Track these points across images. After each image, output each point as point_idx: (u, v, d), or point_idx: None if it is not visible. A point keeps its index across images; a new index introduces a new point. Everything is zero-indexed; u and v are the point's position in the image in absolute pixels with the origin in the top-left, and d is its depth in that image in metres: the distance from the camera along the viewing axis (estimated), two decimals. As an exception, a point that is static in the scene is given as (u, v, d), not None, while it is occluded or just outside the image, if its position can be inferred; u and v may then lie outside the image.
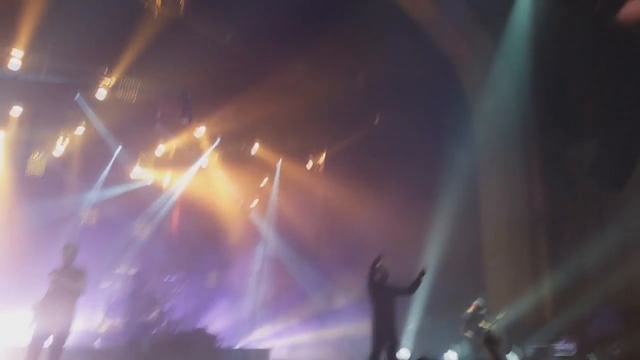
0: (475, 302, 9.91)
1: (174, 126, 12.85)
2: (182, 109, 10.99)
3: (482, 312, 9.86)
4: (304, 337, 11.64)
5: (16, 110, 11.22)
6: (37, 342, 6.51)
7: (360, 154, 12.89)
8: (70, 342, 9.54)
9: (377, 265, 7.61)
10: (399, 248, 10.64)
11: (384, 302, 7.57)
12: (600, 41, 10.93)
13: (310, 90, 12.54)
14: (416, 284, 7.71)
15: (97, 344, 9.91)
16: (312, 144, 14.15)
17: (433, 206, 11.71)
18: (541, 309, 10.96)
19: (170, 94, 11.62)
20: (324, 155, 14.16)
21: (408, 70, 11.94)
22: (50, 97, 11.42)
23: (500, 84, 11.77)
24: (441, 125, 12.18)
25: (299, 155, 14.27)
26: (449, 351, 10.19)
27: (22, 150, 11.88)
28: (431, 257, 11.04)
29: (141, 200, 12.96)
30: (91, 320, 10.77)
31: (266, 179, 14.53)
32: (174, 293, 10.41)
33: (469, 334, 9.67)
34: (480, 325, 9.80)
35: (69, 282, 6.64)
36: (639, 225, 10.39)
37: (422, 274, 7.76)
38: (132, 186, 12.94)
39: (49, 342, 6.57)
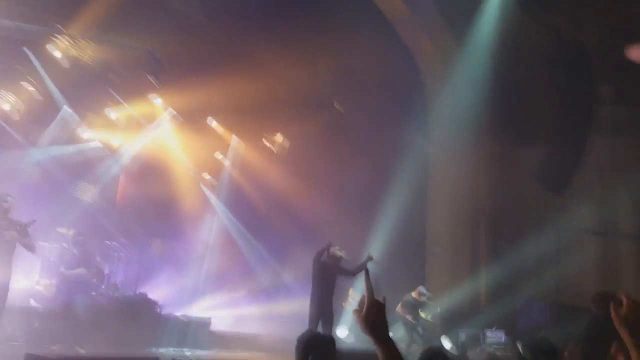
0: (419, 289, 10.22)
1: (129, 91, 12.57)
2: (151, 69, 10.70)
3: (424, 300, 10.17)
4: (247, 310, 11.68)
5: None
6: None
7: (318, 140, 13.00)
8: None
9: (328, 251, 7.92)
10: (349, 231, 10.83)
11: (326, 280, 7.86)
12: (558, 52, 11.52)
13: (273, 72, 12.51)
14: (361, 267, 8.06)
15: (32, 302, 9.61)
16: (270, 125, 14.13)
17: (385, 194, 11.98)
18: (477, 299, 11.46)
19: (131, 56, 11.30)
20: (282, 137, 14.17)
21: (372, 61, 12.15)
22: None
23: (459, 83, 12.16)
24: (400, 118, 12.47)
25: (256, 134, 14.23)
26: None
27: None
28: (378, 243, 11.30)
29: (88, 163, 12.55)
30: (27, 278, 10.43)
31: (221, 154, 14.41)
32: (115, 257, 10.21)
33: (408, 316, 9.96)
34: (421, 313, 10.13)
35: (9, 233, 6.37)
36: (572, 228, 11.03)
37: (369, 259, 8.14)
38: (79, 147, 12.52)
39: None
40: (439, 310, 10.50)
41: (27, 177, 11.36)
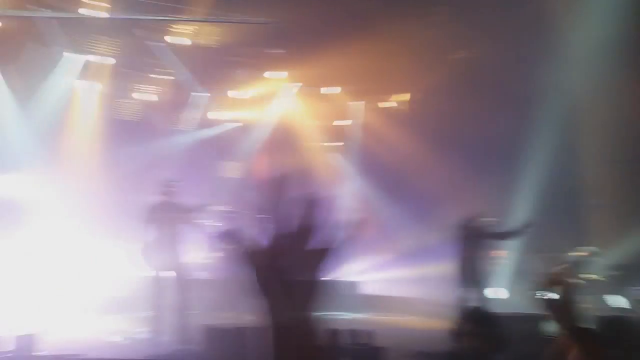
0: (588, 249, 9.46)
1: (254, 68, 12.94)
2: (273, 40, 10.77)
3: (587, 257, 9.38)
4: (394, 273, 11.70)
5: (108, 61, 11.53)
6: (159, 279, 6.80)
7: (446, 94, 12.37)
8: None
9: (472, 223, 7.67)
10: (491, 188, 10.28)
11: (475, 246, 7.63)
12: None
13: (390, 30, 12.07)
14: (515, 233, 7.73)
15: (203, 275, 10.46)
16: (395, 86, 13.76)
17: (529, 144, 11.17)
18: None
19: (254, 31, 11.50)
20: (408, 95, 13.77)
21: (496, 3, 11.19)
22: (135, 45, 11.66)
23: (595, 19, 10.82)
24: (535, 60, 11.40)
25: (382, 96, 13.98)
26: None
27: (112, 98, 12.28)
28: (526, 199, 10.65)
29: (225, 141, 13.25)
30: (194, 254, 11.36)
31: (349, 121, 14.43)
32: (264, 227, 10.60)
33: (571, 276, 9.25)
34: (585, 272, 9.39)
35: (178, 216, 6.78)
36: None
37: (526, 226, 7.76)
38: (217, 129, 13.24)
39: (171, 276, 6.84)
40: (605, 266, 9.60)
41: (174, 161, 12.26)
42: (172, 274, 6.83)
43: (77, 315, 8.04)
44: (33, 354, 4.79)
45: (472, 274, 7.67)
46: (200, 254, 10.43)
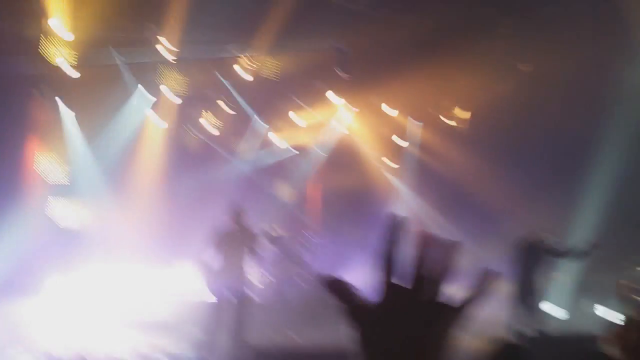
0: None
1: (309, 93, 13.31)
2: (339, 63, 11.06)
3: None
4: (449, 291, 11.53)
5: (170, 94, 12.23)
6: (222, 305, 7.00)
7: (505, 109, 12.15)
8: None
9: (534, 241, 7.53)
10: (552, 204, 10.01)
11: (532, 264, 7.48)
12: None
13: (446, 44, 12.03)
14: (576, 255, 7.53)
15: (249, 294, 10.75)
16: (449, 102, 13.69)
17: (589, 161, 10.80)
18: None
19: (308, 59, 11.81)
20: (462, 111, 13.64)
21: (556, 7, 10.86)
22: (194, 78, 12.29)
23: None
24: (597, 69, 10.98)
25: (436, 113, 13.94)
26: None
27: (175, 129, 12.95)
28: (590, 215, 10.27)
29: (281, 164, 13.64)
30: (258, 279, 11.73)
31: (401, 140, 14.48)
32: (313, 247, 10.83)
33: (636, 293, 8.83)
34: None
35: (247, 242, 7.00)
36: None
37: (591, 247, 7.53)
38: (271, 151, 13.65)
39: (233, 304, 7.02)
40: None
41: (234, 186, 12.76)
42: (234, 300, 6.95)
43: (130, 337, 8.27)
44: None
45: (531, 294, 7.51)
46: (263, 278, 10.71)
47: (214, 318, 6.98)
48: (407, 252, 0.82)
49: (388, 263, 0.84)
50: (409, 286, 0.81)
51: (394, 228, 0.85)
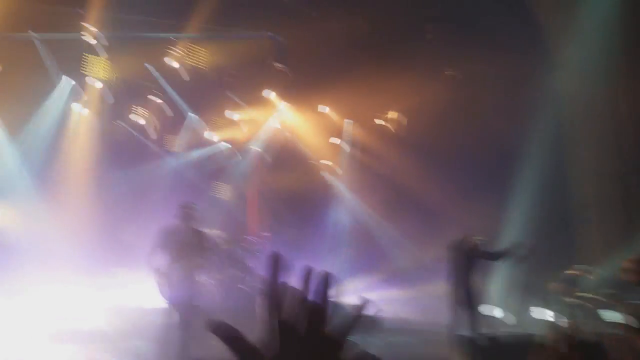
0: (582, 267, 9.51)
1: (245, 89, 13.03)
2: (275, 55, 10.89)
3: (581, 275, 9.43)
4: (389, 294, 11.68)
5: (97, 84, 11.57)
6: (175, 305, 6.44)
7: (436, 112, 12.47)
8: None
9: (466, 240, 7.66)
10: (483, 206, 10.33)
11: (466, 267, 7.62)
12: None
13: (377, 46, 12.20)
14: (505, 252, 7.71)
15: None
16: (384, 104, 13.87)
17: (516, 164, 11.27)
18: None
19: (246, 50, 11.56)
20: (397, 114, 13.87)
21: (482, 16, 11.33)
22: (123, 68, 11.71)
23: (586, 31, 10.95)
24: (521, 76, 11.55)
25: (371, 115, 14.08)
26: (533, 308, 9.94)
27: (103, 121, 12.28)
28: (518, 216, 10.70)
29: (218, 163, 13.28)
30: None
31: (338, 140, 14.50)
32: (255, 250, 10.66)
33: (567, 294, 9.27)
34: (580, 290, 9.44)
35: (196, 241, 6.50)
36: None
37: (519, 246, 7.73)
38: (208, 150, 13.24)
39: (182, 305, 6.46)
40: (599, 283, 9.65)
41: (167, 183, 12.28)
42: (182, 306, 6.45)
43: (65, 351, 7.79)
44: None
45: (465, 294, 7.66)
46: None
47: (161, 326, 6.52)
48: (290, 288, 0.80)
49: (273, 302, 0.83)
50: (296, 323, 0.80)
51: (274, 267, 0.83)
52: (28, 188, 10.49)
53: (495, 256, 7.89)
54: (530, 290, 10.05)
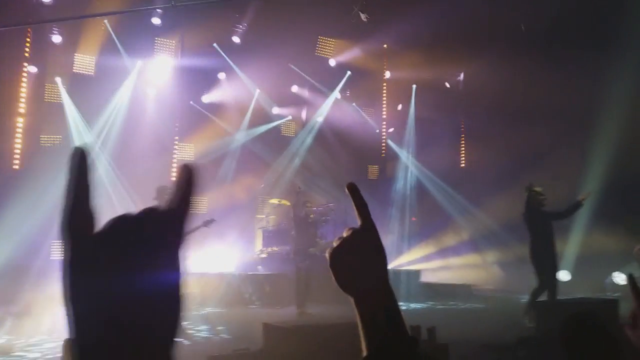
0: None
1: (307, 63, 13.14)
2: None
3: None
4: (456, 260, 11.67)
5: (167, 66, 11.99)
6: None
7: (506, 70, 11.96)
8: (235, 268, 10.65)
9: (533, 197, 7.42)
10: (560, 163, 9.94)
11: (544, 228, 7.38)
12: None
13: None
14: (573, 209, 7.40)
15: (260, 269, 10.91)
16: (450, 65, 13.48)
17: (594, 119, 10.70)
18: None
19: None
20: (463, 75, 13.50)
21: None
22: (192, 48, 12.08)
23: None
24: (599, 26, 10.78)
25: (436, 77, 13.78)
26: (616, 273, 9.56)
27: (175, 99, 12.76)
28: (595, 172, 10.22)
29: (283, 137, 13.58)
30: (251, 249, 11.86)
31: (400, 105, 14.37)
32: (323, 220, 10.90)
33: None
34: None
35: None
36: None
37: (580, 201, 7.43)
38: (274, 124, 13.53)
39: None
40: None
41: (238, 158, 12.73)
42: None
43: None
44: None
45: (540, 258, 7.46)
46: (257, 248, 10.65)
47: None
48: None
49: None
50: None
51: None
52: (107, 171, 11.16)
53: (563, 214, 7.59)
54: (611, 254, 9.67)
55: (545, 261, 7.34)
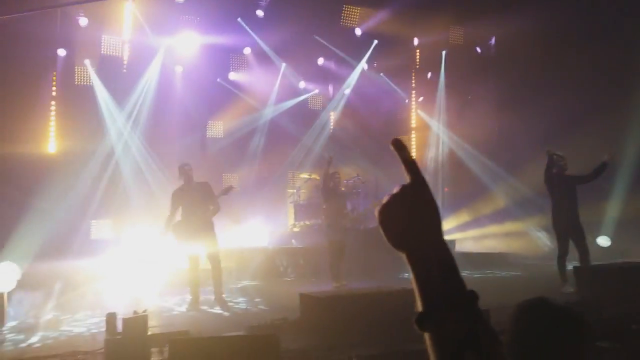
0: None
1: (334, 32, 12.94)
2: None
3: None
4: (491, 229, 11.52)
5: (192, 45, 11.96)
6: (194, 262, 7.15)
7: (536, 36, 11.56)
8: (269, 242, 10.75)
9: (555, 162, 7.24)
10: (594, 132, 9.65)
11: (563, 193, 7.22)
12: None
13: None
14: (599, 170, 7.18)
15: (294, 243, 10.99)
16: (481, 29, 13.07)
17: (627, 83, 10.29)
18: None
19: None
20: (494, 40, 13.10)
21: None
22: (215, 24, 12.02)
23: None
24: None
25: (467, 42, 13.42)
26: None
27: (202, 77, 12.74)
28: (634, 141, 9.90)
29: (311, 110, 13.48)
30: (284, 223, 11.94)
31: (430, 73, 14.05)
32: (354, 193, 10.88)
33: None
34: None
35: (199, 199, 7.00)
36: None
37: (606, 162, 7.21)
38: (300, 99, 13.44)
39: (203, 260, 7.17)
40: None
41: (266, 134, 12.74)
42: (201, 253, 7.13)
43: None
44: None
45: (569, 223, 7.31)
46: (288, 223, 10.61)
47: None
48: None
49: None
50: None
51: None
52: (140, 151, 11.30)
53: (587, 177, 7.36)
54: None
55: (560, 226, 7.20)
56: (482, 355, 0.79)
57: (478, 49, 13.80)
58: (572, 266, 7.03)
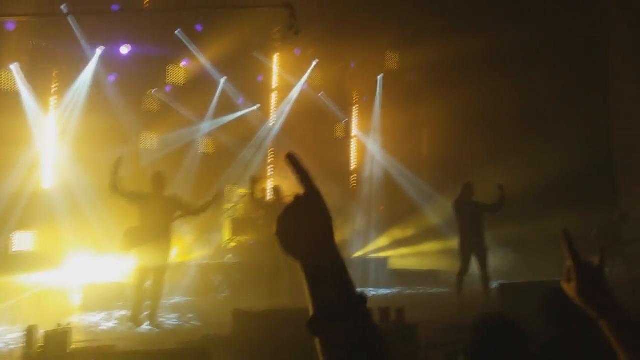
0: (621, 210, 9.44)
1: (273, 50, 13.07)
2: (289, 21, 10.87)
3: (622, 223, 9.34)
4: (422, 247, 11.86)
5: (125, 49, 11.68)
6: (143, 274, 6.82)
7: (465, 67, 12.21)
8: (201, 259, 10.55)
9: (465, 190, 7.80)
10: (518, 155, 10.21)
11: (469, 218, 7.72)
12: None
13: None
14: (501, 201, 7.78)
15: (228, 259, 10.85)
16: (410, 60, 13.65)
17: (552, 109, 11.06)
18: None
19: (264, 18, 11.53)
20: (421, 67, 13.68)
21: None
22: (153, 35, 11.83)
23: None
24: (563, 27, 11.17)
25: (401, 69, 13.94)
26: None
27: (136, 89, 12.43)
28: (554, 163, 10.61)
29: (250, 126, 13.44)
30: (218, 239, 11.76)
31: (365, 97, 14.47)
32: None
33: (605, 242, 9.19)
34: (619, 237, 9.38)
35: (163, 209, 6.76)
36: None
37: (502, 195, 7.81)
38: (239, 114, 13.37)
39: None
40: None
41: (202, 148, 12.57)
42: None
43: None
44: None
45: (473, 246, 7.81)
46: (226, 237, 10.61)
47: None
48: None
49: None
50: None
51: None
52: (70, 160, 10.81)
53: (494, 207, 7.95)
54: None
55: (464, 249, 7.77)
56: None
57: (411, 75, 14.29)
58: (497, 284, 7.42)
